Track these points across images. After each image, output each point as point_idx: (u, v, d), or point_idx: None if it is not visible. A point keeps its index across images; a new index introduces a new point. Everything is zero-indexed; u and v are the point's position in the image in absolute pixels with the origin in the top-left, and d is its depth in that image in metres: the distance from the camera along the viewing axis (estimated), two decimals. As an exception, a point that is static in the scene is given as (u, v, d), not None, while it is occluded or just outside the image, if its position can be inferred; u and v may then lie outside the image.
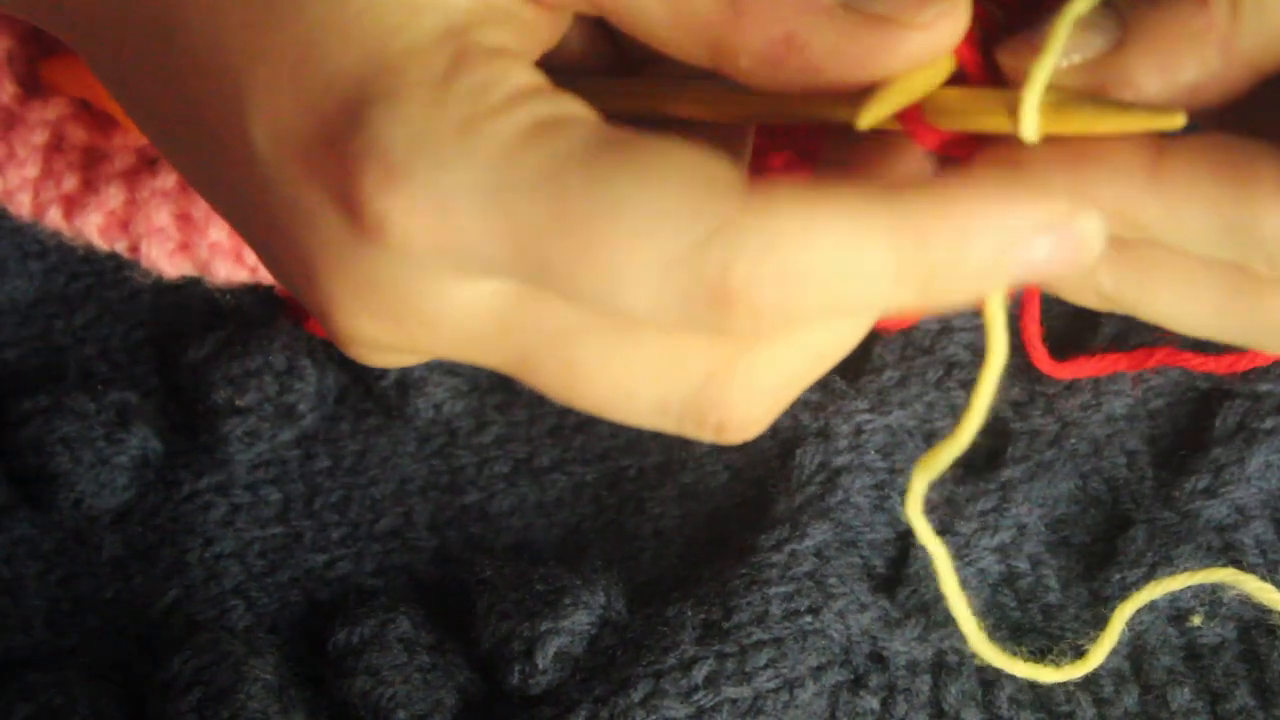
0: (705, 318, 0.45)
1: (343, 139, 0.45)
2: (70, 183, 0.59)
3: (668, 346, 0.48)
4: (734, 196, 0.44)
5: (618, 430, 0.66)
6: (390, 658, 0.61)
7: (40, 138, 0.58)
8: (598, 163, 0.44)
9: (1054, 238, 0.45)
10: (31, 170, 0.58)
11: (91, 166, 0.59)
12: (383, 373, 0.66)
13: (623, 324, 0.47)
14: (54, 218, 0.59)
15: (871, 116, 0.46)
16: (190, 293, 0.63)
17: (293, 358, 0.66)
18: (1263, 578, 0.62)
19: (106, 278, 0.68)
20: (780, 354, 0.48)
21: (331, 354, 0.67)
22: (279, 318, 0.67)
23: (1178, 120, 0.46)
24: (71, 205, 0.59)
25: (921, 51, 0.46)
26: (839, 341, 0.49)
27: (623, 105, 0.49)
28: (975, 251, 0.44)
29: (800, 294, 0.44)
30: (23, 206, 0.59)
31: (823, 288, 0.44)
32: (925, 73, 0.47)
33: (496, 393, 0.67)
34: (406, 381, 0.66)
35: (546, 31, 0.49)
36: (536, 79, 0.46)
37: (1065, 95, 0.47)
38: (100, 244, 0.59)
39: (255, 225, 0.49)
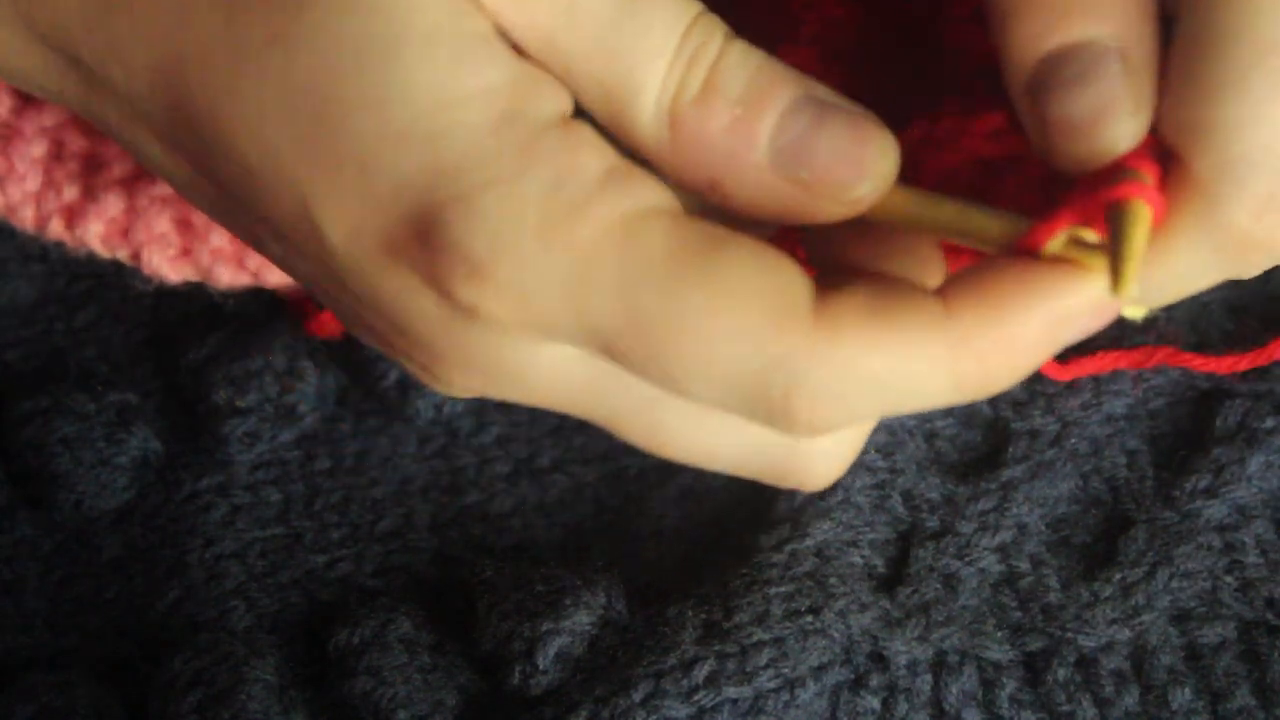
0: (765, 421, 0.47)
1: (426, 235, 0.46)
2: (70, 193, 0.58)
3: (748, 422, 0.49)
4: (802, 323, 0.46)
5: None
6: (391, 658, 0.61)
7: (40, 149, 0.58)
8: (676, 272, 0.45)
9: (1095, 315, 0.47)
10: (32, 184, 0.58)
11: (91, 174, 0.58)
12: (383, 373, 0.66)
13: None
14: (56, 229, 0.59)
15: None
16: (191, 294, 0.63)
17: (293, 358, 0.66)
18: (1263, 578, 0.62)
19: (107, 279, 0.68)
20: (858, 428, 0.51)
21: (332, 354, 0.67)
22: (280, 319, 0.67)
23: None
24: (72, 215, 0.58)
25: (842, 217, 0.47)
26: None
27: None
28: (1026, 356, 0.47)
29: (858, 409, 0.47)
30: (25, 220, 0.59)
31: (880, 403, 0.47)
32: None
33: (497, 393, 0.67)
34: (407, 382, 0.66)
35: None
36: (608, 159, 0.47)
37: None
38: (102, 252, 0.59)
39: (324, 293, 0.51)
